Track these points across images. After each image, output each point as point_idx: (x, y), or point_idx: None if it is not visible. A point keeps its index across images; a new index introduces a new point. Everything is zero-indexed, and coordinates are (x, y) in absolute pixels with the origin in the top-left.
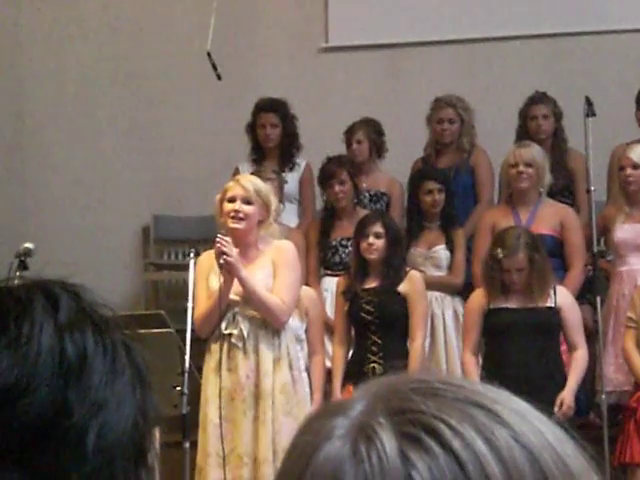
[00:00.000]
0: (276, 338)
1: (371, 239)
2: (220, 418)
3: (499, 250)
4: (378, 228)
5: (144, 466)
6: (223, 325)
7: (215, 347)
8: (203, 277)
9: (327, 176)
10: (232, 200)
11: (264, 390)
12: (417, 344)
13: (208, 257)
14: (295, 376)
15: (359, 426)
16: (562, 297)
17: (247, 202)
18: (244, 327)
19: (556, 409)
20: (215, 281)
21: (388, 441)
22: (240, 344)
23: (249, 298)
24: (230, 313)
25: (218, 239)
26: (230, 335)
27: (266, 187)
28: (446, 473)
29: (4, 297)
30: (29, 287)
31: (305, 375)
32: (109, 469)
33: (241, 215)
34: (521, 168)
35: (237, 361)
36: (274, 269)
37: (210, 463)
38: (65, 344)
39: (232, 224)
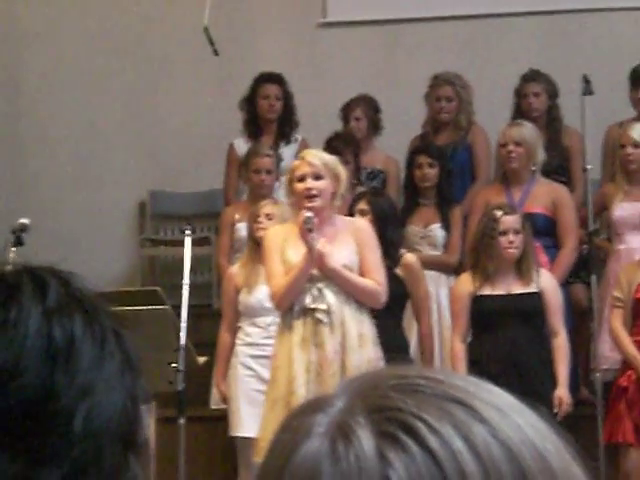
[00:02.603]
0: (359, 314)
1: (356, 217)
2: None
3: (497, 210)
4: (363, 205)
5: (133, 452)
6: (308, 300)
7: (298, 322)
8: (276, 250)
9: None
10: (302, 179)
11: (351, 365)
12: (423, 328)
13: (281, 229)
14: (377, 352)
15: (338, 424)
16: (545, 280)
17: (317, 177)
18: (331, 302)
19: (555, 410)
20: (294, 255)
21: (366, 440)
22: (326, 319)
23: (343, 286)
24: (314, 288)
25: (307, 220)
26: (314, 310)
27: (332, 158)
28: (423, 472)
29: None
30: (17, 272)
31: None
32: (97, 453)
33: (314, 192)
34: (510, 147)
35: (323, 336)
36: (358, 249)
37: None
38: (53, 329)
39: (308, 203)
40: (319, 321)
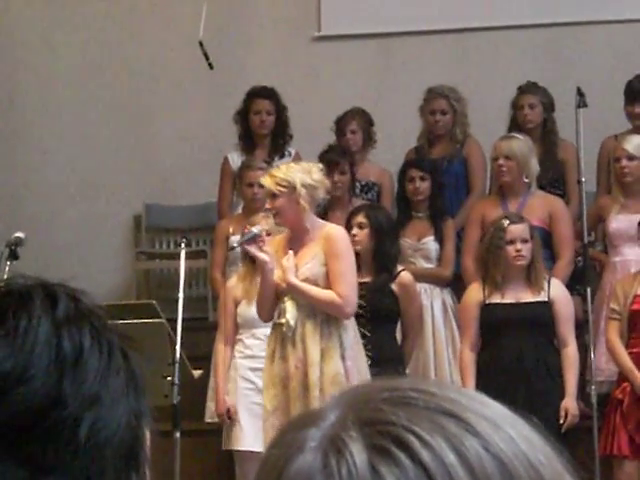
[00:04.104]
0: (325, 327)
1: (354, 230)
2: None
3: (504, 219)
4: (361, 219)
5: (135, 469)
6: (276, 315)
7: (271, 336)
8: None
9: (329, 165)
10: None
11: (311, 381)
12: (408, 346)
13: (275, 242)
14: (348, 367)
15: (330, 438)
16: (556, 290)
17: (273, 196)
18: (290, 317)
19: (561, 421)
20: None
21: (358, 454)
22: (290, 334)
23: (305, 300)
24: (281, 302)
25: (242, 234)
26: (282, 324)
27: (285, 171)
28: None
29: (4, 293)
30: (30, 285)
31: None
32: (100, 466)
33: (274, 211)
34: (500, 161)
35: (287, 351)
36: (325, 259)
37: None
38: (62, 338)
39: (275, 220)
40: (284, 335)
